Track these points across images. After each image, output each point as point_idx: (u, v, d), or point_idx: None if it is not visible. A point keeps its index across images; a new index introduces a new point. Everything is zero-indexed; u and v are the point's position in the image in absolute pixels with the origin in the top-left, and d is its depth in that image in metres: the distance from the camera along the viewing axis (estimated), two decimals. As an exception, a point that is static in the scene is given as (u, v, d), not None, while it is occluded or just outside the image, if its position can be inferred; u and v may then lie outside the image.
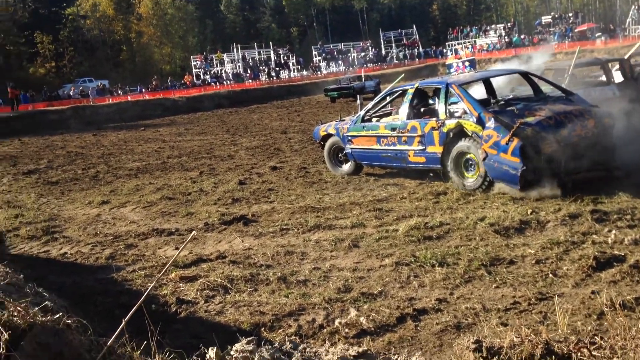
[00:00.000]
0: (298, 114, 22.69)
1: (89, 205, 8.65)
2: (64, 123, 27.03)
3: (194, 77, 44.15)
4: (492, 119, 6.56)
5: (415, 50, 51.77)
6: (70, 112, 28.91)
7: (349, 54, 50.98)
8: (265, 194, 8.22)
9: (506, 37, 48.31)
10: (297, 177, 9.33)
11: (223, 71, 45.60)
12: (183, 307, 4.30)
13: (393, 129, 7.90)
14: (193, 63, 47.56)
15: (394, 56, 50.64)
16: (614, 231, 4.90)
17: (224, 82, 42.09)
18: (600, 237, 4.85)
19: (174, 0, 63.85)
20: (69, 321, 2.67)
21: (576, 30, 43.70)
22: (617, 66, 10.72)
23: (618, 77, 10.15)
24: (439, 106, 7.42)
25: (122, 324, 2.67)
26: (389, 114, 8.94)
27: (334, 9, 79.33)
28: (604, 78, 10.17)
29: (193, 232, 3.58)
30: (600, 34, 40.43)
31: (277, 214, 6.91)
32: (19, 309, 2.54)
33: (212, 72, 45.41)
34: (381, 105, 9.11)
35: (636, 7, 44.91)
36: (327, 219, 6.40)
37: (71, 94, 37.52)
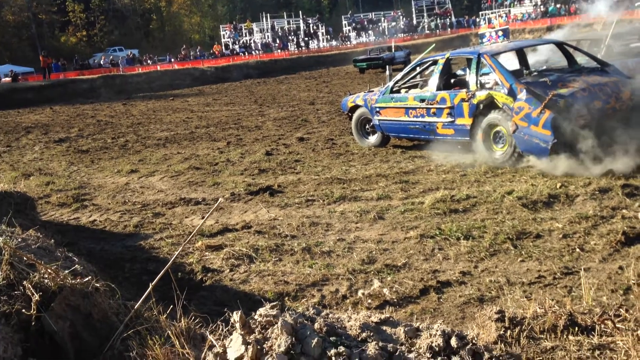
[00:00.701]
0: (326, 85, 22.53)
1: (117, 174, 8.81)
2: (95, 92, 27.41)
3: (223, 47, 44.10)
4: (524, 91, 6.41)
5: (448, 19, 50.60)
6: (101, 81, 29.25)
7: (380, 24, 50.15)
8: (292, 165, 8.23)
9: (542, 7, 46.75)
10: (323, 148, 9.31)
11: (252, 41, 45.41)
12: (209, 275, 4.37)
13: (422, 100, 7.78)
14: (222, 33, 47.44)
15: (426, 26, 49.62)
16: (645, 207, 4.78)
17: (253, 52, 41.96)
18: (630, 212, 4.73)
19: (205, -32, 63.61)
20: (98, 285, 2.75)
21: (616, -1, 41.99)
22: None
23: None
24: (470, 77, 7.27)
25: (149, 289, 2.74)
26: (418, 85, 8.81)
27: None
28: None
29: (220, 199, 3.61)
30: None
31: (303, 185, 6.93)
32: (50, 271, 2.61)
33: (240, 42, 45.25)
34: (411, 76, 8.97)
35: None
36: (352, 191, 6.40)
37: (102, 63, 37.91)
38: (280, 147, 9.79)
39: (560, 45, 7.99)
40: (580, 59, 7.86)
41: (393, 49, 28.21)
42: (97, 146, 11.94)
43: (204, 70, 33.47)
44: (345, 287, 3.93)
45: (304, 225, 5.33)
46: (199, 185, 7.59)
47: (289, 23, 48.93)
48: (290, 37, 46.27)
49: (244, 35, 46.72)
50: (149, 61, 39.59)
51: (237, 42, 45.11)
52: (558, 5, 46.18)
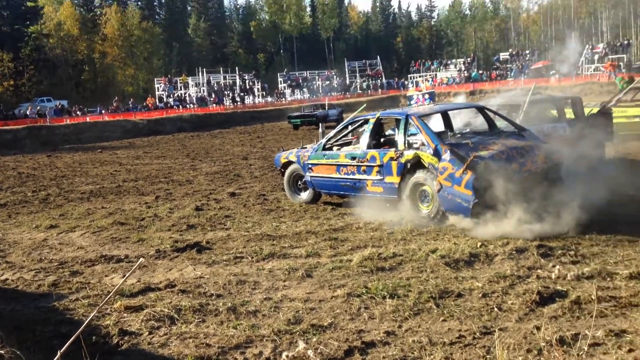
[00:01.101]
0: (260, 140, 22.67)
1: (36, 229, 8.36)
2: (19, 143, 26.29)
3: (157, 100, 43.73)
4: (448, 152, 6.68)
5: (379, 80, 52.68)
6: (25, 131, 28.16)
7: (314, 82, 51.49)
8: (222, 221, 8.11)
9: (465, 72, 49.69)
10: (255, 204, 9.26)
11: (187, 94, 45.34)
12: (125, 339, 4.14)
13: (353, 158, 7.95)
14: (157, 85, 47.15)
15: (358, 86, 51.36)
16: (557, 266, 4.99)
17: (188, 106, 41.81)
18: (544, 272, 4.93)
19: (141, 22, 63.57)
20: (2, 352, 2.54)
21: (532, 68, 45.29)
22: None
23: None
24: (399, 137, 7.52)
25: (57, 355, 2.56)
26: (350, 143, 9.03)
27: (301, 37, 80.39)
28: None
29: (141, 259, 3.48)
30: (554, 71, 42.00)
31: (232, 242, 6.82)
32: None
33: (175, 95, 45.08)
34: (343, 134, 9.20)
35: (589, 47, 47.00)
36: (282, 248, 6.35)
37: (28, 113, 36.55)
38: (211, 202, 9.65)
39: (481, 109, 8.43)
40: (500, 123, 8.30)
41: (326, 107, 28.89)
42: (15, 200, 11.34)
43: (136, 122, 32.93)
44: (270, 349, 3.83)
45: (230, 284, 5.21)
46: (122, 241, 7.30)
47: (225, 78, 49.36)
48: (226, 92, 46.56)
49: (179, 88, 46.62)
50: (78, 112, 38.55)
51: (171, 95, 44.89)
52: (480, 72, 49.25)
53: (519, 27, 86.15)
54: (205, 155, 18.07)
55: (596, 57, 43.93)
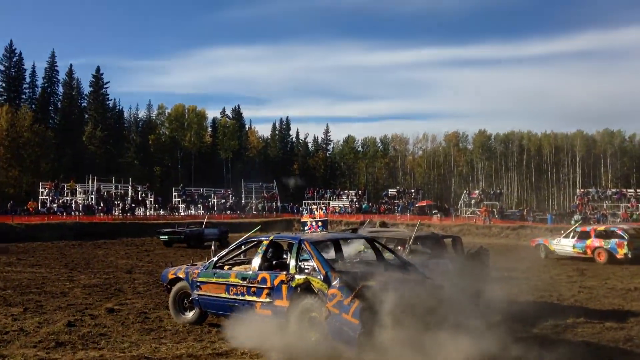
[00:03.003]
0: (148, 254, 21.79)
1: None
2: None
3: (39, 204, 41.17)
4: (338, 279, 6.84)
5: (274, 203, 53.61)
6: None
7: (210, 199, 51.34)
8: (95, 339, 7.52)
9: (356, 203, 52.12)
10: (134, 322, 8.72)
11: (73, 201, 43.17)
12: None
13: (244, 279, 7.87)
14: (41, 189, 44.61)
15: (253, 207, 51.86)
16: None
17: (73, 213, 39.65)
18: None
19: (33, 124, 61.41)
20: None
21: (417, 205, 48.50)
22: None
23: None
24: (291, 261, 7.62)
25: None
26: (242, 263, 8.96)
27: (200, 154, 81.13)
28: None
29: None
30: (436, 211, 45.26)
31: (106, 363, 6.31)
32: None
33: (60, 201, 42.77)
34: (235, 254, 9.15)
35: (467, 192, 51.58)
36: (160, 371, 5.96)
37: None
38: (85, 318, 8.95)
39: (371, 241, 8.85)
40: (388, 255, 8.71)
41: (204, 225, 27.93)
42: None
43: (13, 226, 30.55)
44: None
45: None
46: (-23, 357, 6.51)
47: (116, 188, 47.90)
48: (116, 202, 44.98)
49: (65, 194, 44.39)
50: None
51: (56, 201, 42.53)
52: (370, 204, 51.93)
53: (405, 168, 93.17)
54: (85, 266, 16.97)
55: (473, 201, 48.05)
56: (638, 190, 47.20)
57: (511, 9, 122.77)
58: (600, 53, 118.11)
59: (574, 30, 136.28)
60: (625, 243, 19.72)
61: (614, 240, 20.03)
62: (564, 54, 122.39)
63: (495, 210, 44.11)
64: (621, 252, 19.65)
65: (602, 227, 21.97)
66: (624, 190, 49.03)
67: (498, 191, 55.79)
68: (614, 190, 49.94)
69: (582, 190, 51.59)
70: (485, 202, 45.51)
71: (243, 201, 53.85)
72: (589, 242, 20.62)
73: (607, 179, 77.56)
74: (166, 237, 26.51)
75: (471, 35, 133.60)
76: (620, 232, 20.48)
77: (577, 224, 24.35)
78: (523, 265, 18.54)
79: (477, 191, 53.51)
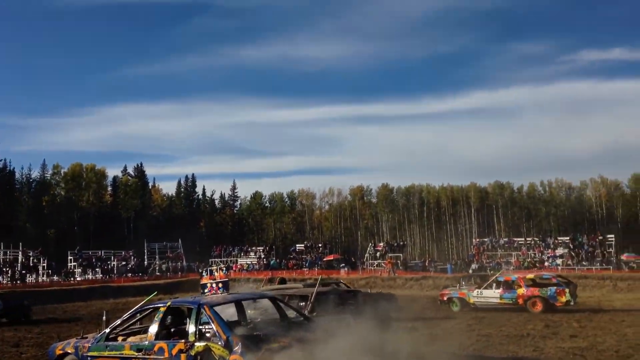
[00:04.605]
0: (38, 325, 20.11)
1: None
2: None
3: None
4: (240, 344, 6.69)
5: (179, 263, 51.82)
6: None
7: (109, 262, 48.73)
8: None
9: (264, 259, 51.63)
10: (17, 404, 7.96)
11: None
12: None
13: (139, 350, 7.49)
14: None
15: (157, 268, 49.80)
16: None
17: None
18: None
19: None
20: None
21: (324, 260, 48.83)
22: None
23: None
24: (190, 327, 7.37)
25: None
26: (138, 332, 8.52)
27: (100, 214, 77.30)
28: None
29: None
30: (344, 264, 45.84)
31: None
32: None
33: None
34: (130, 323, 8.69)
35: (372, 245, 52.77)
36: None
37: None
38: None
39: (273, 299, 8.78)
40: (291, 313, 8.66)
41: None
42: None
43: None
44: None
45: None
46: None
47: (5, 254, 44.32)
48: (4, 269, 41.55)
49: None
50: None
51: None
52: (278, 260, 51.64)
53: (313, 222, 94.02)
54: (-37, 343, 15.35)
55: (378, 254, 49.15)
56: (528, 239, 50.47)
57: (407, 68, 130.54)
58: (489, 111, 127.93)
59: (465, 89, 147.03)
60: (567, 290, 19.51)
61: (553, 289, 19.74)
62: (455, 112, 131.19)
63: (399, 261, 45.33)
64: (562, 300, 19.42)
65: (530, 276, 21.66)
66: (514, 238, 52.32)
67: (402, 243, 57.63)
68: (505, 239, 53.15)
69: (477, 240, 54.40)
70: (389, 254, 46.69)
71: (146, 262, 51.58)
72: (520, 291, 20.10)
73: (500, 228, 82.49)
74: None
75: (371, 92, 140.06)
76: (555, 280, 20.30)
77: (498, 274, 23.85)
78: (426, 315, 19.12)
79: (382, 243, 54.86)
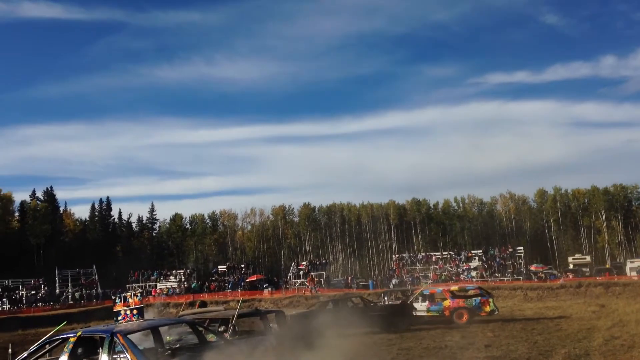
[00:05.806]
0: None
1: None
2: None
3: None
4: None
5: (94, 290, 49.44)
6: None
7: (17, 292, 45.69)
8: None
9: (185, 283, 50.34)
10: None
11: None
12: None
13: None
14: None
15: (70, 296, 47.24)
16: None
17: None
18: None
19: None
20: None
21: (247, 280, 48.28)
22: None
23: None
24: (102, 357, 7.10)
25: None
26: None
27: (6, 242, 72.31)
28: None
29: None
30: (267, 284, 45.53)
31: None
32: None
33: None
34: (39, 355, 8.22)
35: (295, 264, 52.85)
36: None
37: None
38: None
39: (192, 324, 8.63)
40: (211, 337, 8.54)
41: None
42: None
43: None
44: None
45: None
46: None
47: None
48: None
49: None
50: None
51: None
52: (200, 282, 50.49)
53: (235, 243, 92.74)
54: None
55: (301, 272, 49.24)
56: (444, 253, 52.39)
57: (325, 89, 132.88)
58: (405, 130, 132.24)
59: (382, 109, 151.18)
60: (491, 300, 20.20)
61: (478, 299, 20.31)
62: (374, 131, 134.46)
63: (322, 279, 45.59)
64: (487, 310, 20.11)
65: (455, 287, 22.32)
66: (432, 253, 54.16)
67: (324, 261, 58.09)
68: (423, 254, 54.90)
69: (397, 255, 55.80)
70: (312, 273, 46.89)
71: (57, 290, 48.79)
72: (446, 303, 20.58)
73: (418, 243, 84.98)
74: None
75: (291, 113, 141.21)
76: (479, 291, 20.94)
77: (423, 287, 24.34)
78: (349, 331, 19.26)
79: (304, 262, 55.03)
